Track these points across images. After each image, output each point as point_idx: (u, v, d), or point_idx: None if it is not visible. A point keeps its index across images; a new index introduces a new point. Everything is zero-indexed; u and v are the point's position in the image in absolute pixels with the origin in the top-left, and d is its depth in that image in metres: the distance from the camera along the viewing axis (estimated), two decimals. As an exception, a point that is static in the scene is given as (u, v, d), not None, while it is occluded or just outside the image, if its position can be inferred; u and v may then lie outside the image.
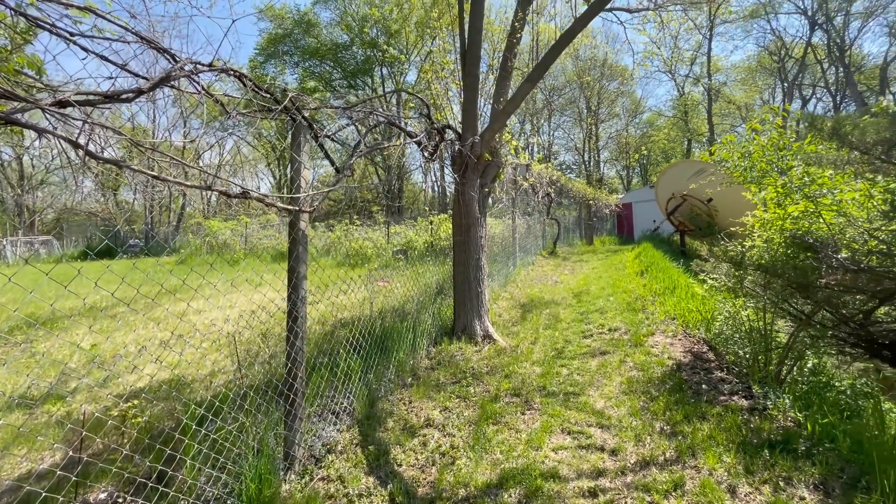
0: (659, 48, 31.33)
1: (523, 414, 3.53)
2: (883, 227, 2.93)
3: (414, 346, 4.82)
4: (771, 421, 2.96)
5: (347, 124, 3.48)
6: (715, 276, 5.12)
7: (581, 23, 4.95)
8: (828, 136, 2.48)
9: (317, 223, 17.14)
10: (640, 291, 7.18)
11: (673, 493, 2.39)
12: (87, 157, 1.64)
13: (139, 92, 1.85)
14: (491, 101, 6.09)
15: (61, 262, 15.17)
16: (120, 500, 2.41)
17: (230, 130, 29.47)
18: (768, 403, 3.15)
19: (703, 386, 3.63)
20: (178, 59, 2.07)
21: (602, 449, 2.92)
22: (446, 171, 5.31)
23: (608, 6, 6.80)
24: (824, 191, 3.71)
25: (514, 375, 4.25)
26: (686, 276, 7.68)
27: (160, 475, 2.31)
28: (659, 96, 53.61)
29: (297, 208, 2.76)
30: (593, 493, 2.49)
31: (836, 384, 3.57)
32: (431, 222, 12.08)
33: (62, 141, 1.64)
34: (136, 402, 2.81)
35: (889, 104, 2.62)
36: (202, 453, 2.37)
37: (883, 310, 3.95)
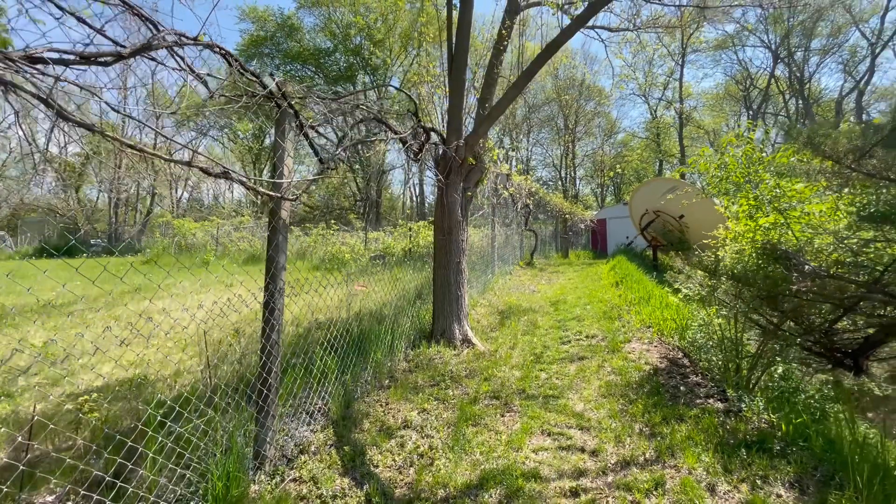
0: (634, 72, 32.64)
1: (503, 416, 3.49)
2: (850, 236, 3.07)
3: (392, 349, 4.72)
4: (746, 422, 3.01)
5: (332, 118, 3.41)
6: (689, 285, 5.25)
7: (566, 35, 5.05)
8: (802, 146, 2.59)
9: (291, 227, 16.84)
10: (616, 301, 7.30)
11: (654, 492, 2.38)
12: (58, 120, 1.53)
13: (118, 56, 1.75)
14: (474, 113, 6.12)
15: (13, 259, 14.31)
16: (69, 502, 2.21)
17: (204, 130, 28.73)
18: (743, 406, 3.21)
19: (681, 388, 3.68)
20: (160, 28, 1.98)
21: (582, 450, 2.90)
22: (428, 174, 5.28)
23: (591, 23, 7.03)
24: (794, 203, 3.88)
25: (493, 378, 4.21)
26: (660, 288, 7.86)
27: (118, 472, 2.14)
28: (633, 118, 55.69)
29: (280, 195, 2.67)
30: (575, 493, 2.45)
31: (805, 390, 3.68)
32: (410, 229, 12.02)
33: (28, 121, 1.52)
34: (94, 394, 2.61)
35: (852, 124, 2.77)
36: (166, 448, 2.21)
37: (844, 322, 4.14)
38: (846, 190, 3.24)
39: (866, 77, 26.43)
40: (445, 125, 5.71)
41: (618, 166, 36.93)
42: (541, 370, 4.42)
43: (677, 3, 6.92)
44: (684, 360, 4.41)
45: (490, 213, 10.11)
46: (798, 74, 28.40)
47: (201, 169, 2.03)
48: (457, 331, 5.23)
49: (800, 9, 24.09)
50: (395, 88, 5.92)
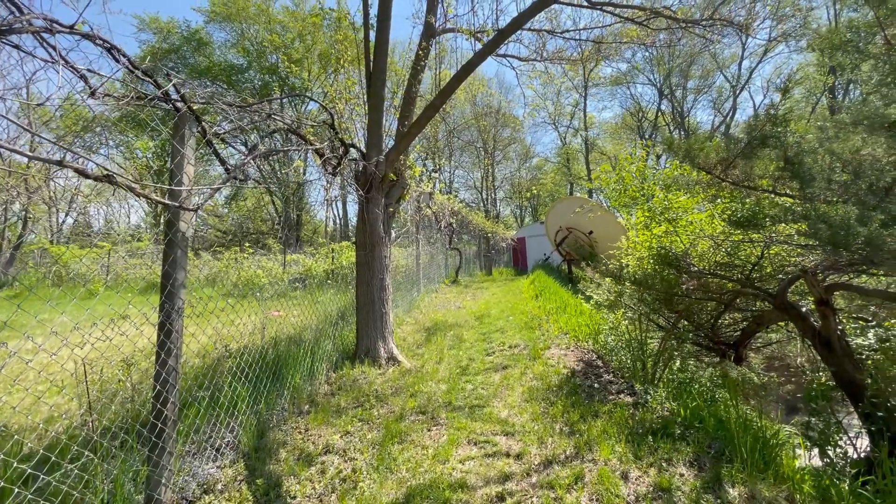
0: (544, 101, 35.39)
1: (430, 430, 3.42)
2: (725, 240, 3.52)
3: (312, 372, 4.46)
4: (652, 412, 3.26)
5: (241, 127, 3.22)
6: (599, 292, 5.65)
7: (478, 58, 5.32)
8: (682, 158, 2.95)
9: (200, 251, 15.39)
10: (536, 312, 7.62)
11: (574, 487, 2.46)
12: None
13: (-35, 35, 1.50)
14: (393, 135, 6.17)
15: None
16: None
17: (94, 148, 25.58)
18: (648, 398, 3.47)
19: (596, 386, 3.89)
20: (23, 10, 1.74)
21: (508, 455, 2.92)
22: (352, 194, 5.19)
23: (502, 52, 7.51)
24: (680, 213, 4.39)
25: (419, 394, 4.13)
26: (575, 298, 8.37)
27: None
28: (545, 144, 60.01)
29: (177, 204, 2.43)
30: (501, 498, 2.45)
31: (698, 379, 4.09)
32: (333, 250, 11.62)
33: None
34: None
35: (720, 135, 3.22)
36: None
37: (726, 319, 4.70)
38: (718, 200, 3.73)
39: (731, 113, 31.21)
40: (365, 141, 5.68)
41: (534, 188, 39.30)
42: (467, 382, 4.43)
43: (576, 38, 7.65)
44: (598, 362, 4.68)
45: (414, 231, 10.14)
46: (679, 109, 32.71)
47: (76, 170, 1.78)
48: (381, 349, 5.10)
49: (677, 53, 27.94)
50: (309, 98, 5.76)
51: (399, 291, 8.46)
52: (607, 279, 5.25)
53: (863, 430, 3.05)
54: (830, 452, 2.92)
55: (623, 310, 5.01)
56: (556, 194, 40.33)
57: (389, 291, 5.45)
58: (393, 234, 8.47)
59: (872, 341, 3.46)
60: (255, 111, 3.26)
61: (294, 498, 2.61)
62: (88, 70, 2.16)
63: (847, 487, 2.17)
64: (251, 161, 3.12)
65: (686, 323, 4.59)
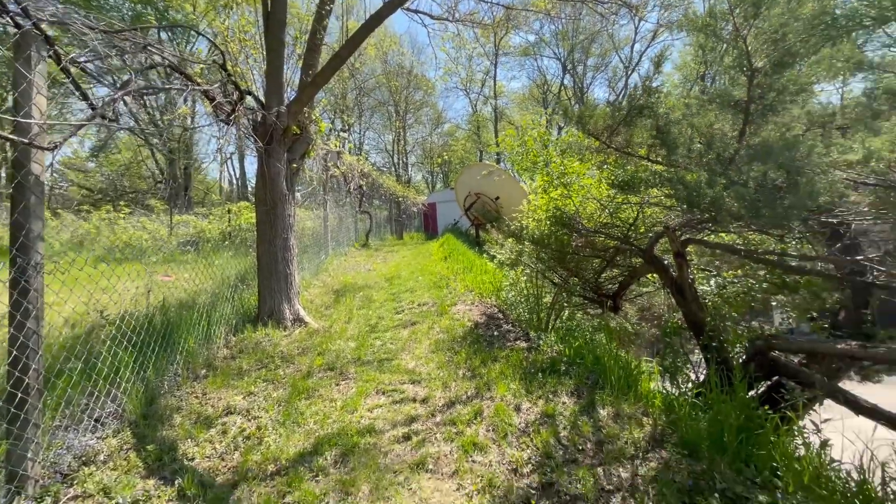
0: (456, 66, 35.26)
1: (338, 385, 3.46)
2: (609, 202, 3.95)
3: (208, 336, 4.19)
4: (542, 354, 3.65)
5: (106, 56, 2.78)
6: (502, 252, 6.02)
7: (387, 9, 5.11)
8: (575, 124, 3.21)
9: (59, 211, 13.04)
10: (445, 272, 7.89)
11: (474, 421, 2.71)
12: None
13: None
14: (296, 88, 5.76)
15: None
16: None
17: None
18: (541, 342, 3.86)
19: (496, 335, 4.23)
20: None
21: (414, 400, 3.09)
22: (247, 144, 4.79)
23: (414, 7, 7.27)
24: (574, 178, 4.80)
25: (327, 352, 4.12)
26: (481, 258, 8.81)
27: None
28: (457, 110, 60.53)
29: (27, 141, 2.05)
30: (407, 437, 2.61)
31: (582, 326, 4.65)
32: (230, 210, 10.67)
33: None
34: None
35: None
36: None
37: (608, 274, 5.32)
38: (605, 166, 4.15)
39: (623, 93, 34.06)
40: (264, 90, 5.23)
41: (445, 154, 39.57)
42: (376, 338, 4.52)
43: (488, 1, 7.67)
44: (499, 315, 5.05)
45: (322, 192, 9.71)
46: (580, 85, 34.84)
47: None
48: (287, 310, 4.93)
49: (580, 29, 29.44)
50: (195, 31, 4.87)
51: (306, 255, 8.14)
52: (509, 239, 5.62)
53: (701, 360, 3.77)
54: (679, 379, 3.56)
55: (522, 268, 5.43)
56: (467, 160, 41.07)
57: (294, 251, 5.23)
58: (299, 196, 8.03)
59: (713, 287, 4.22)
60: (126, 38, 2.82)
61: (192, 459, 2.51)
62: None
63: (685, 400, 2.68)
64: (122, 98, 2.72)
65: (575, 279, 5.13)
